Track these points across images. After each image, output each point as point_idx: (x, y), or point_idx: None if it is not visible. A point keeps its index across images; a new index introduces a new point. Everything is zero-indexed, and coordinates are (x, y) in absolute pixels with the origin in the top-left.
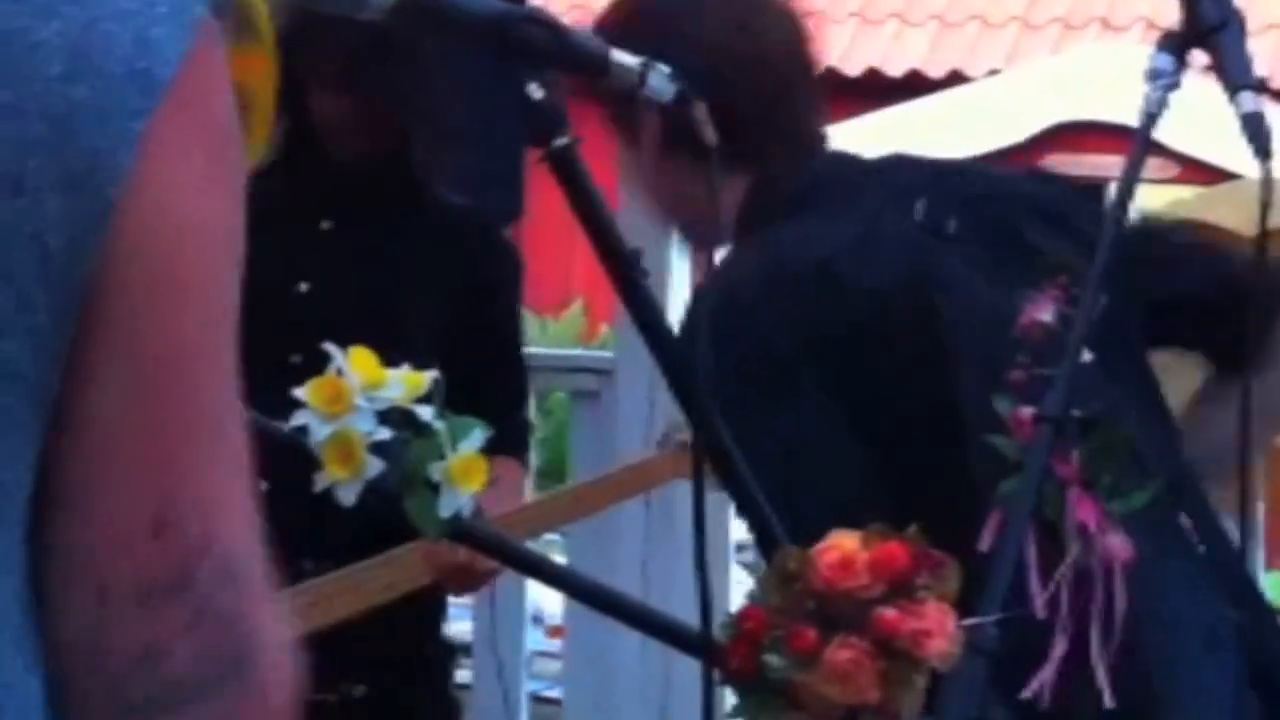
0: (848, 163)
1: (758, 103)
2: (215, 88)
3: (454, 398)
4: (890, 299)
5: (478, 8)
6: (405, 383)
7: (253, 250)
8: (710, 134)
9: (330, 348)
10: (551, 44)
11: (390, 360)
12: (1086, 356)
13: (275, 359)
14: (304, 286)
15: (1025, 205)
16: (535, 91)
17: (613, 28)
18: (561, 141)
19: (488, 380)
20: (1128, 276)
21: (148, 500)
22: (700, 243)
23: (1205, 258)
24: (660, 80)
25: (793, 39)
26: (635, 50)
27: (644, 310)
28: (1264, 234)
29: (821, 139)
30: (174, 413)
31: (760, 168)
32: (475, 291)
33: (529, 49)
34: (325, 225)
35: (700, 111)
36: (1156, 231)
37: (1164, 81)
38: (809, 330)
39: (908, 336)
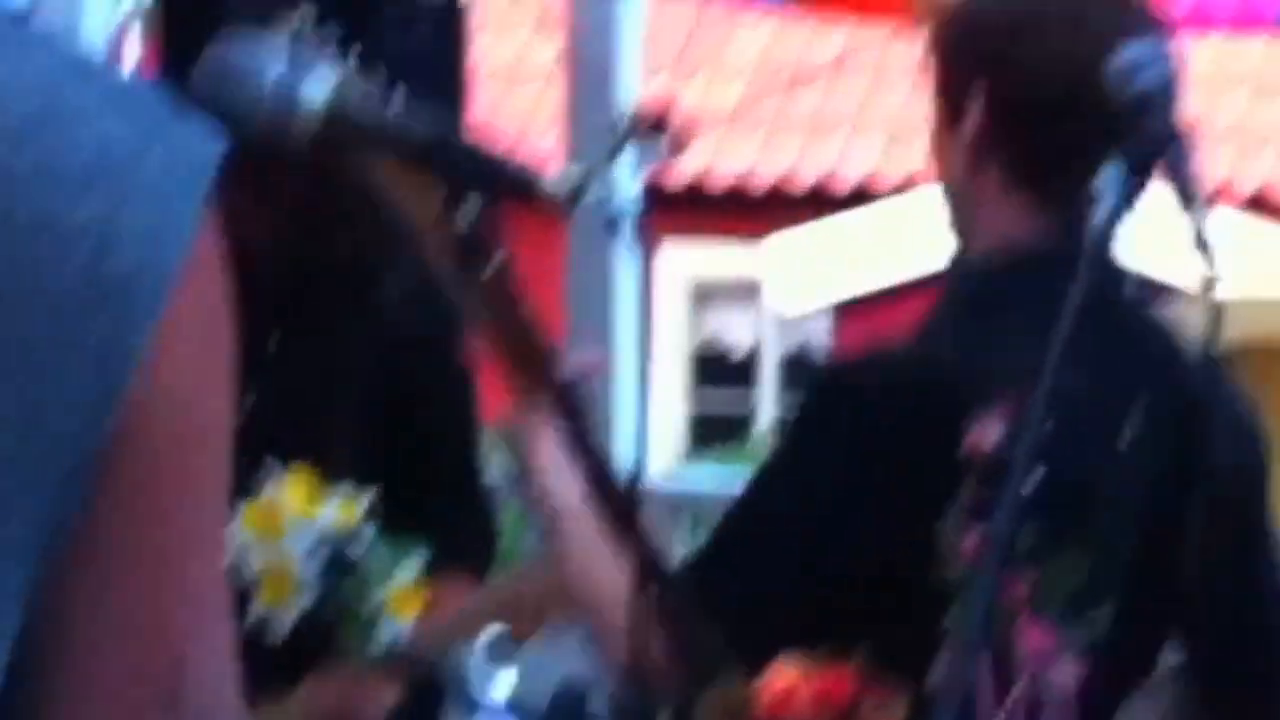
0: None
1: (1082, 135)
2: (217, 267)
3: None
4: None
5: (403, 129)
6: (343, 503)
7: None
8: (646, 251)
9: (266, 469)
10: (480, 164)
11: (338, 478)
12: (1036, 476)
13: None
14: (250, 399)
15: None
16: (464, 214)
17: (968, 16)
18: (492, 264)
19: (449, 494)
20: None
21: (157, 676)
22: (960, 244)
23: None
24: (595, 203)
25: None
26: (986, 42)
27: (579, 437)
28: (1213, 353)
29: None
30: (176, 593)
31: (1048, 213)
32: (424, 407)
33: (457, 170)
34: (274, 337)
35: (635, 228)
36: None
37: (1115, 196)
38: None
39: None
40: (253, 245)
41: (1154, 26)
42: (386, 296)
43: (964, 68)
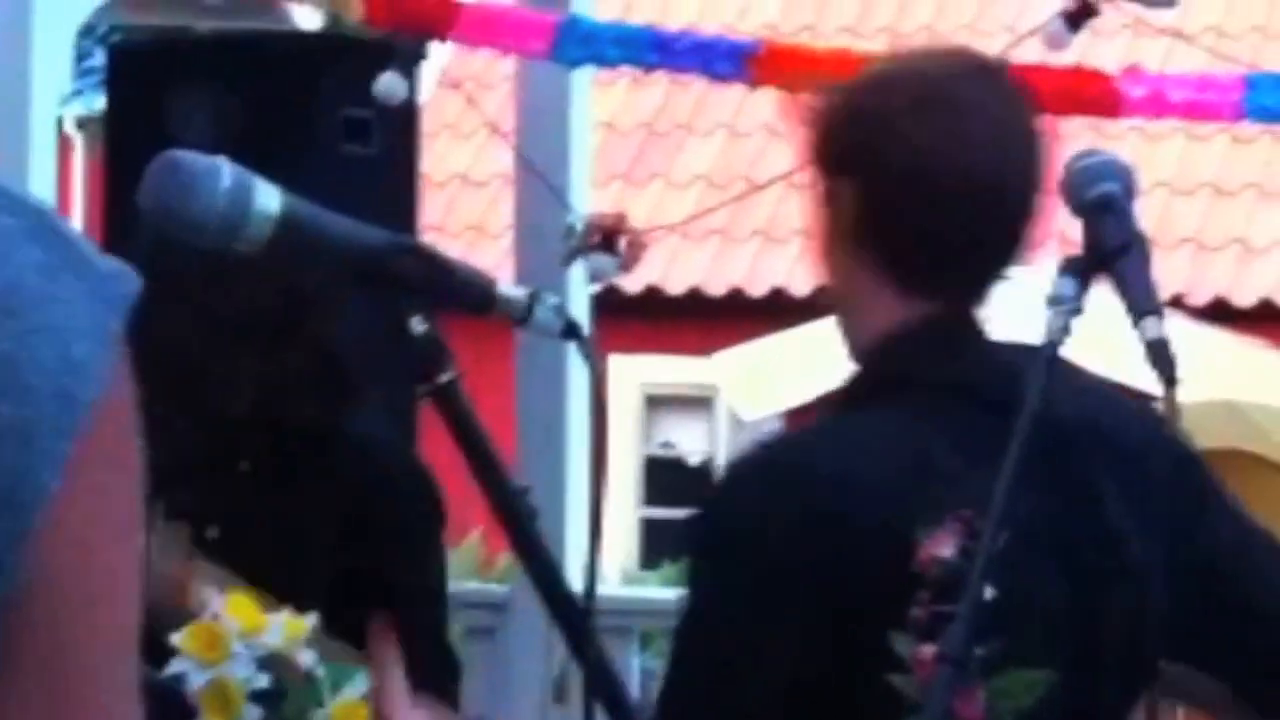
0: (989, 359)
1: (954, 231)
2: (127, 408)
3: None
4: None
5: (356, 240)
6: (285, 627)
7: (170, 498)
8: (598, 365)
9: (208, 592)
10: (432, 277)
11: (294, 602)
12: (989, 593)
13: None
14: (212, 533)
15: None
16: (416, 326)
17: (838, 111)
18: (444, 378)
19: (409, 618)
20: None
21: None
22: (849, 348)
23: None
24: (547, 314)
25: (1021, 179)
26: (837, 162)
27: (531, 550)
28: None
29: (978, 322)
30: None
31: (926, 306)
32: (384, 531)
33: (409, 282)
34: (240, 469)
35: (588, 344)
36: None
37: (1066, 308)
38: (799, 545)
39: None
40: (219, 378)
41: (1024, 114)
42: (352, 424)
43: (832, 166)
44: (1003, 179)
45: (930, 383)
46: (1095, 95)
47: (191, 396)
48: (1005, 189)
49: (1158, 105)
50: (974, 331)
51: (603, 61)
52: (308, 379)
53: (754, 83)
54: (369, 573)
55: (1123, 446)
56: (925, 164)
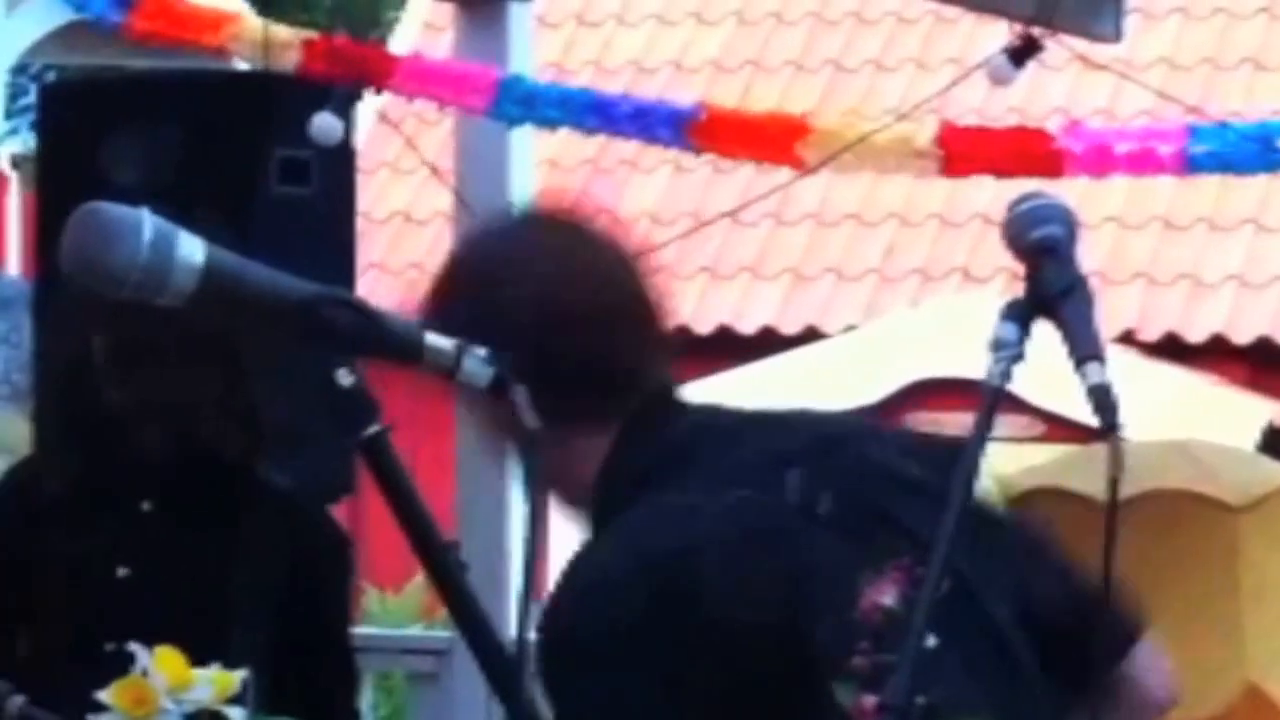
0: (714, 422)
1: (597, 356)
2: None
3: (279, 690)
4: (757, 593)
5: (282, 291)
6: (214, 683)
7: (72, 534)
8: (531, 418)
9: (135, 647)
10: (360, 329)
11: (210, 650)
12: (931, 641)
13: (94, 649)
14: (122, 572)
15: (898, 481)
16: (344, 378)
17: (435, 297)
18: (371, 431)
19: (314, 673)
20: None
21: None
22: (575, 510)
23: (1069, 575)
24: (476, 364)
25: (627, 285)
26: (460, 318)
27: (460, 603)
28: (1114, 507)
29: (674, 392)
30: None
31: (616, 425)
32: (303, 580)
33: (336, 334)
34: (145, 507)
35: (519, 395)
36: (1027, 528)
37: (1007, 353)
38: (665, 627)
39: (766, 638)
40: (136, 419)
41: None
42: (269, 474)
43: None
44: (606, 304)
45: (673, 470)
46: (1038, 155)
47: (95, 428)
48: (611, 310)
49: (1102, 162)
50: (669, 418)
51: (542, 122)
52: (222, 421)
53: (695, 149)
54: (284, 629)
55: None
56: (532, 314)
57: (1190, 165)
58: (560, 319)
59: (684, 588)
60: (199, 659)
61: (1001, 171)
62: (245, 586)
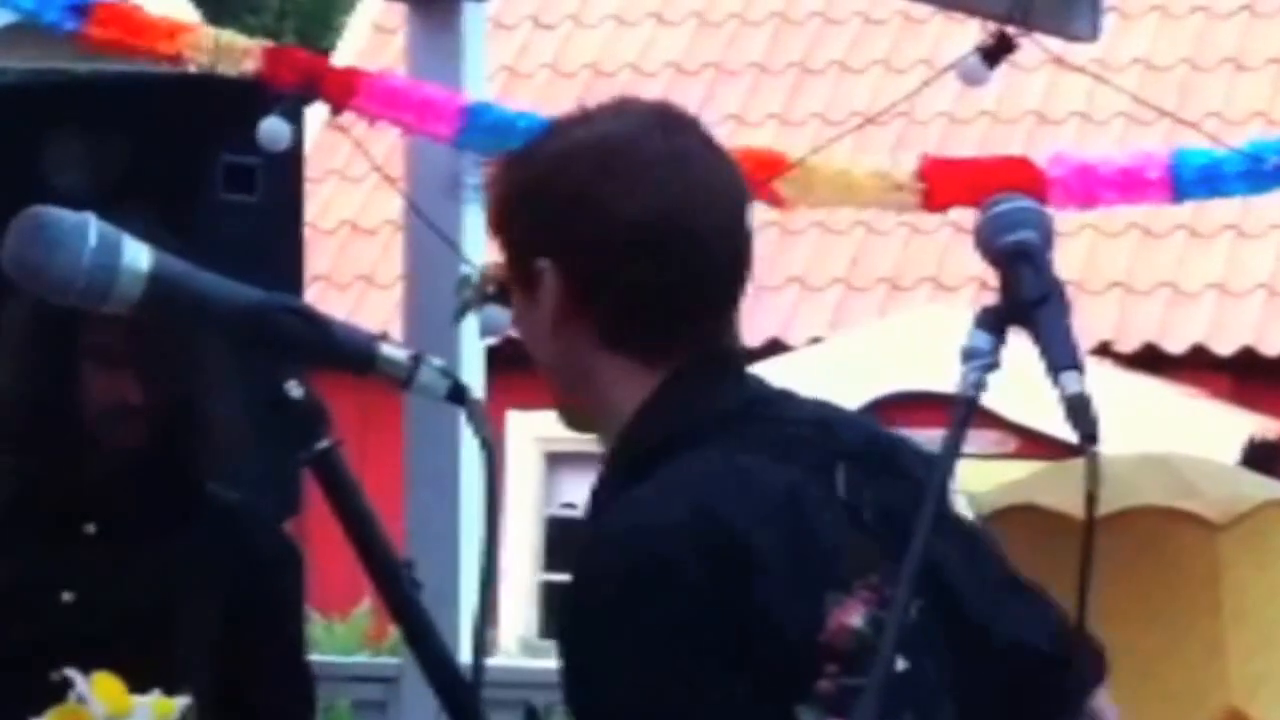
0: (770, 395)
1: (682, 284)
2: None
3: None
4: (798, 588)
5: (230, 299)
6: (154, 709)
7: (12, 557)
8: (487, 431)
9: (72, 673)
10: (310, 337)
11: (159, 675)
12: (900, 665)
13: (36, 676)
14: (67, 596)
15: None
16: (293, 389)
17: (520, 188)
18: (321, 445)
19: (270, 692)
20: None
21: None
22: (576, 427)
23: (1041, 609)
24: (432, 376)
25: (739, 216)
26: (543, 216)
27: (414, 625)
28: (1091, 525)
29: (739, 355)
30: None
31: (668, 367)
32: (254, 596)
33: (284, 342)
34: (88, 528)
35: (477, 410)
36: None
37: (980, 362)
38: (714, 586)
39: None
40: (98, 412)
41: (713, 161)
42: (215, 489)
43: (525, 248)
44: (706, 225)
45: (721, 427)
46: (1023, 184)
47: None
48: (712, 235)
49: (1088, 191)
50: (736, 372)
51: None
52: (167, 438)
53: None
54: (236, 647)
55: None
56: (618, 227)
57: (1178, 193)
58: (662, 234)
59: (737, 554)
60: (147, 684)
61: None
62: (192, 606)
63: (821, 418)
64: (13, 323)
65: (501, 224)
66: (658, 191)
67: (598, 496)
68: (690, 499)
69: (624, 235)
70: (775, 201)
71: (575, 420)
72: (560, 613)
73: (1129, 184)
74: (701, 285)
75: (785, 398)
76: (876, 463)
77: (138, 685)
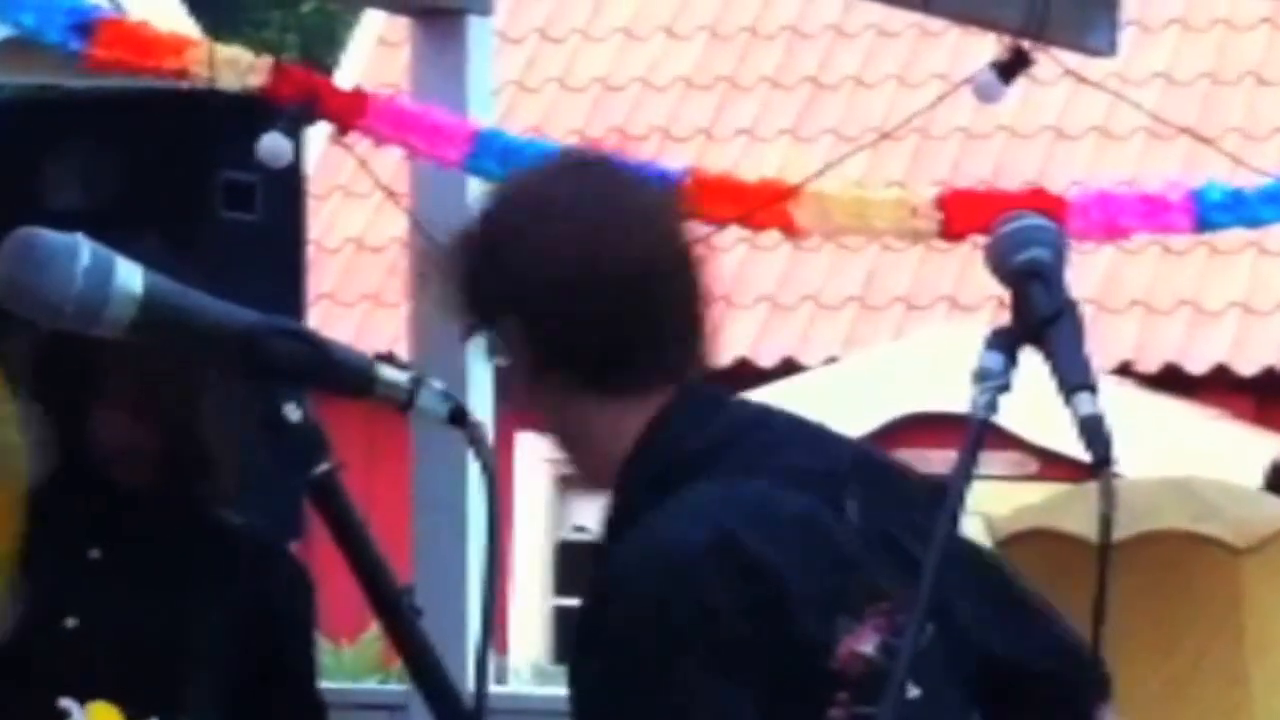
0: (765, 420)
1: (643, 316)
2: None
3: None
4: (820, 612)
5: (225, 321)
6: None
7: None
8: (488, 454)
9: (68, 704)
10: (308, 360)
11: (164, 704)
12: (912, 692)
13: (41, 704)
14: (71, 622)
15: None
16: (292, 412)
17: (465, 250)
18: (321, 469)
19: (282, 716)
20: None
21: None
22: (587, 482)
23: (1054, 629)
24: (432, 398)
25: (676, 239)
26: (496, 271)
27: (414, 651)
28: (1106, 548)
29: (717, 382)
30: None
31: (654, 403)
32: (264, 622)
33: (282, 365)
34: (94, 554)
35: (478, 433)
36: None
37: (992, 384)
38: (742, 612)
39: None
40: (106, 450)
41: (641, 196)
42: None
43: (486, 310)
44: (649, 257)
45: (714, 457)
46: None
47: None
48: (654, 265)
49: (1112, 225)
50: (718, 401)
51: None
52: (174, 468)
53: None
54: (245, 676)
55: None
56: (569, 268)
57: (1203, 224)
58: (607, 270)
59: (758, 576)
60: (151, 712)
61: None
62: (196, 633)
63: (814, 439)
64: (16, 358)
65: (459, 292)
66: (586, 232)
67: (611, 528)
68: (709, 522)
69: (572, 273)
70: (789, 228)
71: (583, 481)
72: (577, 631)
73: (1151, 213)
74: (654, 316)
75: (770, 419)
76: (878, 486)
77: (139, 713)
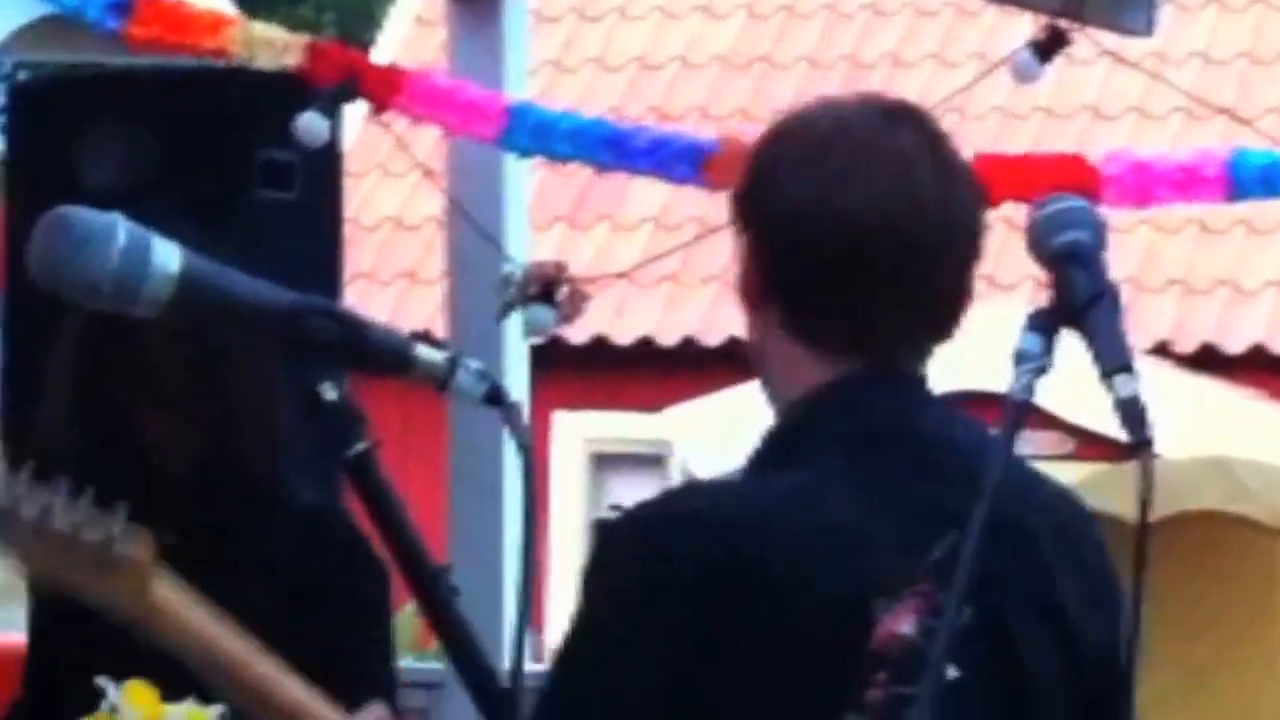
0: (910, 434)
1: (883, 281)
2: None
3: None
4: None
5: (263, 301)
6: (187, 718)
7: None
8: (524, 433)
9: (104, 681)
10: (345, 339)
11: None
12: (952, 673)
13: (77, 682)
14: None
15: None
16: (328, 392)
17: (751, 160)
18: (358, 448)
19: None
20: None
21: None
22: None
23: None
24: (469, 378)
25: (935, 238)
26: (740, 215)
27: (451, 630)
28: (1144, 529)
29: (914, 375)
30: None
31: (835, 368)
32: (315, 598)
33: (321, 345)
34: (169, 539)
35: (514, 412)
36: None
37: (1030, 365)
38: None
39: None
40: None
41: (940, 156)
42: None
43: (738, 220)
44: (906, 223)
45: (850, 443)
46: (1077, 183)
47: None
48: (911, 233)
49: (1143, 189)
50: (904, 391)
51: (553, 156)
52: (238, 444)
53: (712, 186)
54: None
55: (1065, 529)
56: (800, 212)
57: (1235, 192)
58: (830, 216)
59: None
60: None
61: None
62: (243, 612)
63: (944, 473)
64: (62, 352)
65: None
66: (855, 180)
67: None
68: (714, 504)
69: (803, 218)
70: None
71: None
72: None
73: (1185, 182)
74: (890, 293)
75: (921, 436)
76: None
77: (175, 693)
